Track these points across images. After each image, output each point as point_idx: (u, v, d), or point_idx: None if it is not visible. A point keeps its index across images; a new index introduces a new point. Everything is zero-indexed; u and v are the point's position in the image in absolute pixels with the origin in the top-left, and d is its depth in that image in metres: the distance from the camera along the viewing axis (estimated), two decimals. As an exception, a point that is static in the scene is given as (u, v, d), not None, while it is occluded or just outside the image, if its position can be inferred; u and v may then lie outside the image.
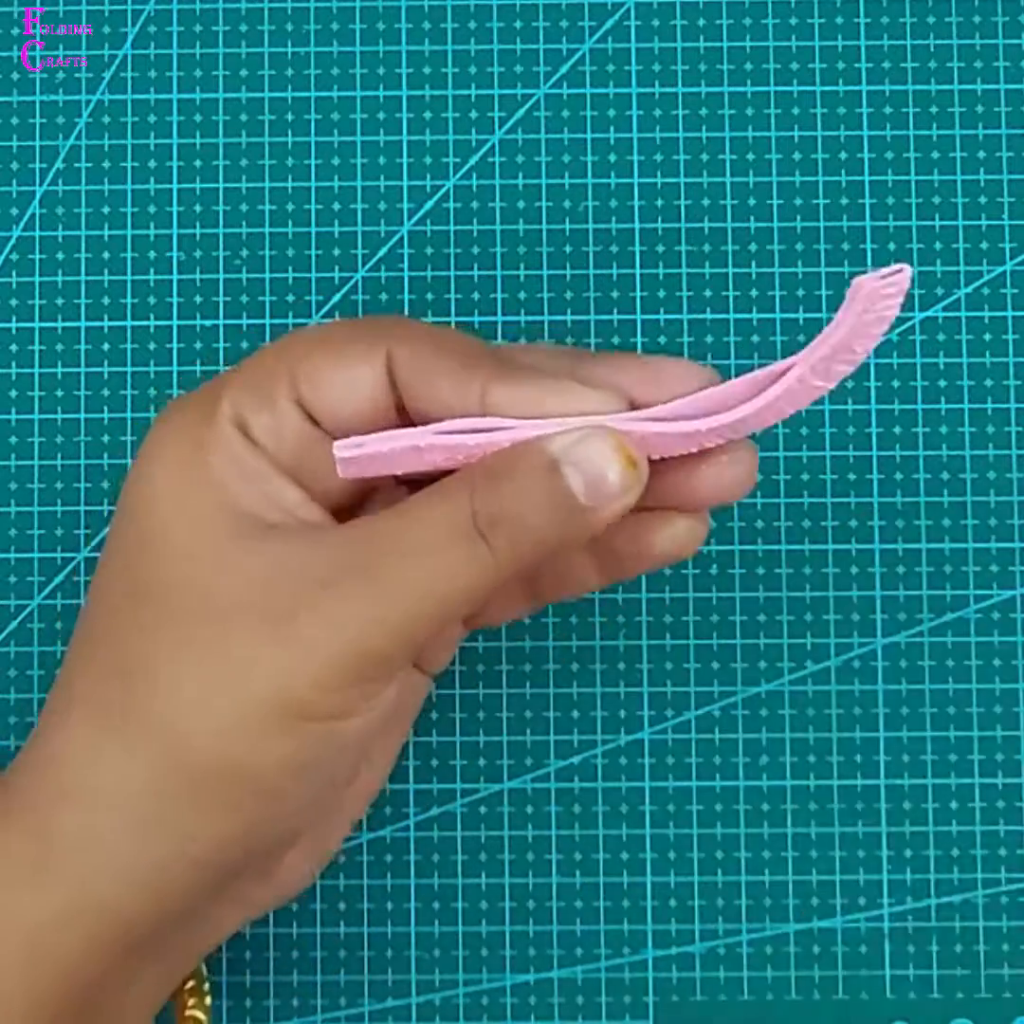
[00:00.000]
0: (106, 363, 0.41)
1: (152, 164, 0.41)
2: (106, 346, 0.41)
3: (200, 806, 0.30)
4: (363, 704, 0.30)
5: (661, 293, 0.41)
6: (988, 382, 0.40)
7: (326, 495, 0.32)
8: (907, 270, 0.28)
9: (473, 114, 0.41)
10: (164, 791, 0.30)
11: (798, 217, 0.41)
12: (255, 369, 0.32)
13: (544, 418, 0.30)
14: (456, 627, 0.35)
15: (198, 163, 0.41)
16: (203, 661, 0.30)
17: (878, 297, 0.28)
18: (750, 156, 0.41)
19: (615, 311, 0.40)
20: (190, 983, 0.36)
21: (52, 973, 0.31)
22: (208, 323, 0.41)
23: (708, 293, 0.41)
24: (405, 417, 0.31)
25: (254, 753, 0.30)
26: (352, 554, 0.30)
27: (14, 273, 0.41)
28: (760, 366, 0.30)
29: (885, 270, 0.28)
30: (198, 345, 0.41)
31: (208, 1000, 0.36)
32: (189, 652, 0.30)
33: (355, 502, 0.33)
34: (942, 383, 0.40)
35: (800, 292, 0.40)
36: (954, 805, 0.39)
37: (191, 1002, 0.36)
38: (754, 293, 0.40)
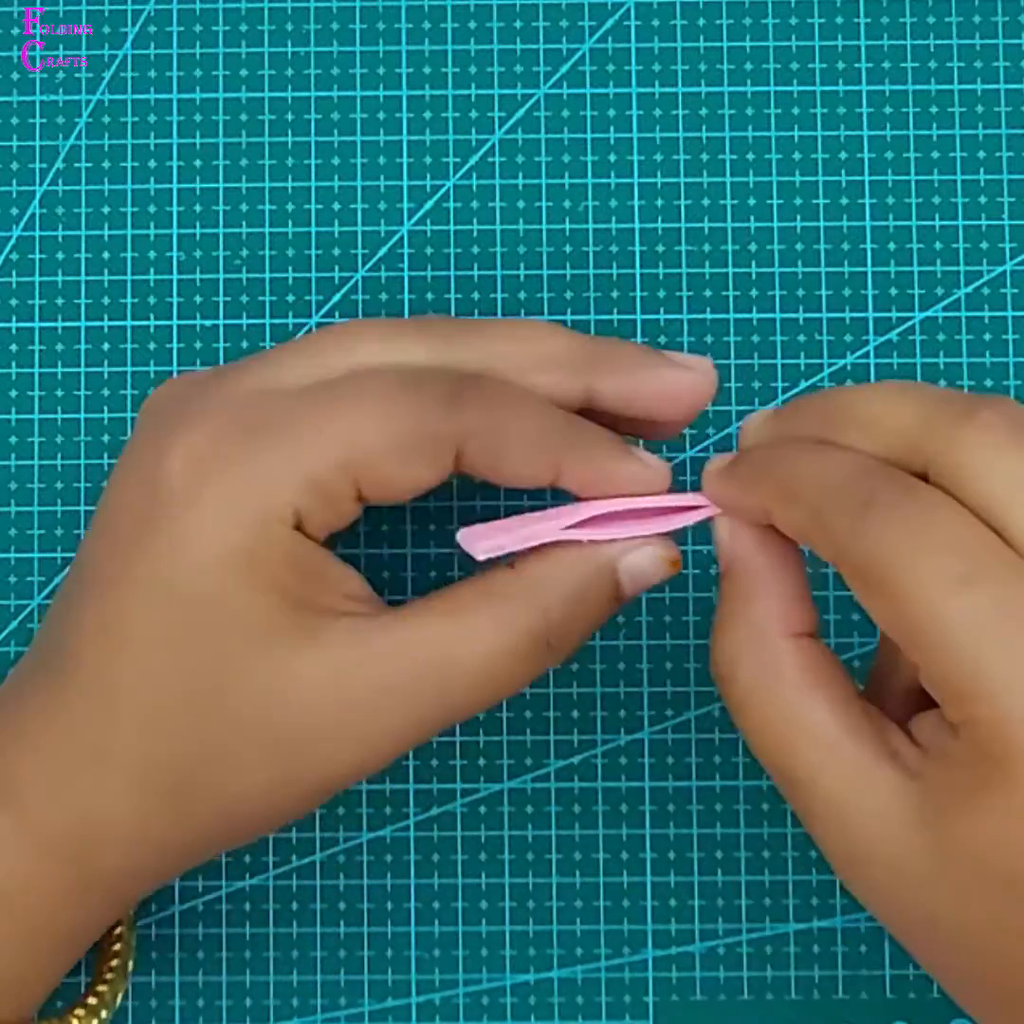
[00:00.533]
0: (106, 363, 0.41)
1: (152, 164, 0.41)
2: (106, 346, 0.41)
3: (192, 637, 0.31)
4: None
5: (661, 293, 0.41)
6: (988, 382, 0.40)
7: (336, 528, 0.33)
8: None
9: (473, 114, 0.41)
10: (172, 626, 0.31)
11: (798, 217, 0.41)
12: (306, 452, 0.31)
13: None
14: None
15: (198, 163, 0.41)
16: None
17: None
18: (750, 156, 0.41)
19: (615, 311, 0.40)
20: (119, 928, 0.36)
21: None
22: (208, 323, 0.41)
23: (708, 293, 0.41)
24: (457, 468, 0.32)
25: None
26: (414, 664, 0.31)
27: (14, 273, 0.41)
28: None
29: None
30: (198, 345, 0.41)
31: (132, 942, 0.37)
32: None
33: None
34: (942, 383, 0.40)
35: (800, 292, 0.40)
36: (954, 805, 0.39)
37: (116, 947, 0.36)
38: (754, 293, 0.40)
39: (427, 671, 0.31)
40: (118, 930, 0.36)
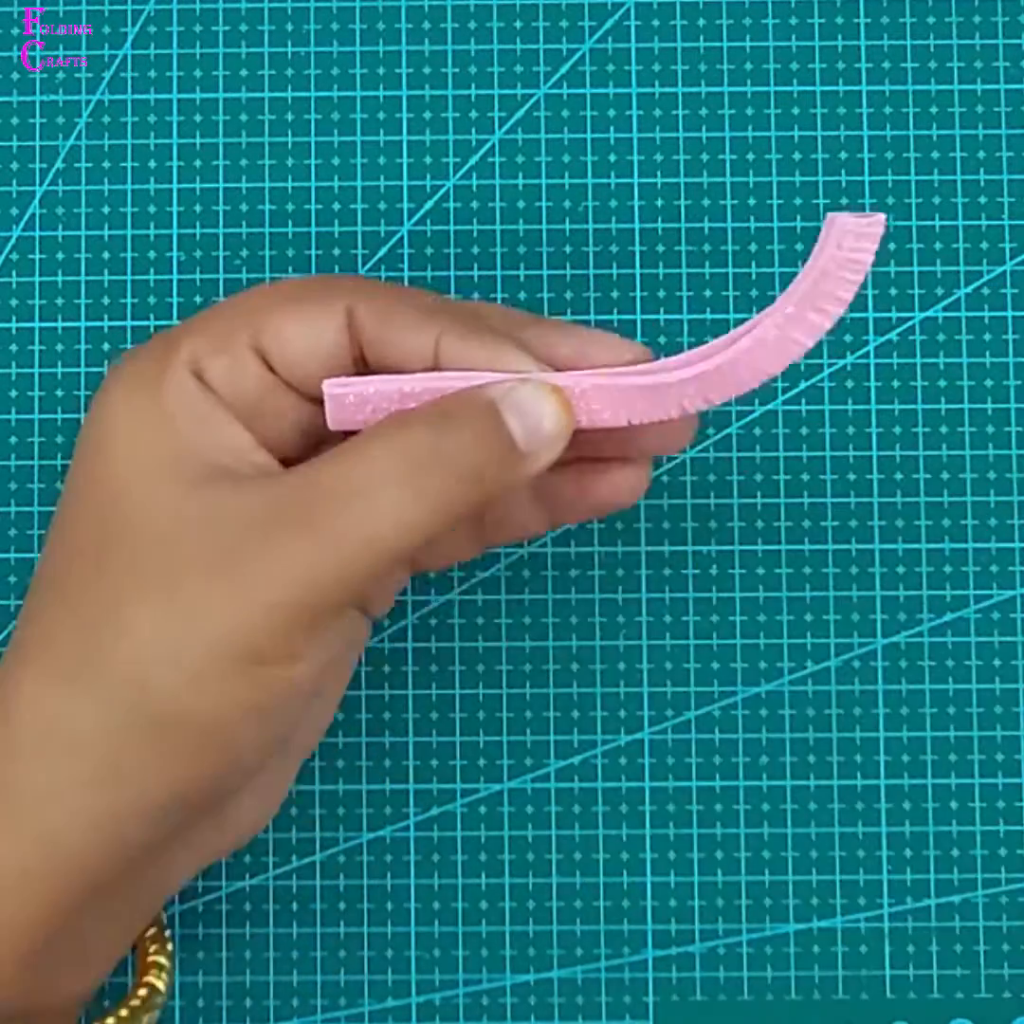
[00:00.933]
0: (106, 363, 0.41)
1: (152, 164, 0.41)
2: (106, 346, 0.41)
3: (159, 751, 0.30)
4: (312, 648, 0.31)
5: (661, 293, 0.41)
6: (988, 382, 0.40)
7: (279, 444, 0.33)
8: (882, 218, 0.29)
9: (473, 114, 0.41)
10: (123, 737, 0.30)
11: (798, 217, 0.41)
12: (214, 318, 0.32)
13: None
14: (400, 573, 0.35)
15: (198, 163, 0.41)
16: (158, 607, 0.30)
17: (853, 236, 0.28)
18: (750, 156, 0.41)
19: (615, 311, 0.40)
20: (151, 930, 0.36)
21: (16, 923, 0.31)
22: (208, 323, 0.41)
23: (708, 293, 0.41)
24: (364, 371, 0.32)
25: (211, 697, 0.30)
26: (292, 500, 0.30)
27: (14, 273, 0.41)
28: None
29: (862, 215, 0.29)
30: (198, 345, 0.41)
31: (170, 946, 0.36)
32: (144, 598, 0.30)
33: (309, 452, 0.33)
34: (942, 383, 0.40)
35: (800, 292, 0.40)
36: (954, 805, 0.39)
37: (153, 949, 0.36)
38: (754, 293, 0.40)
39: (295, 503, 0.30)
40: (151, 931, 0.36)
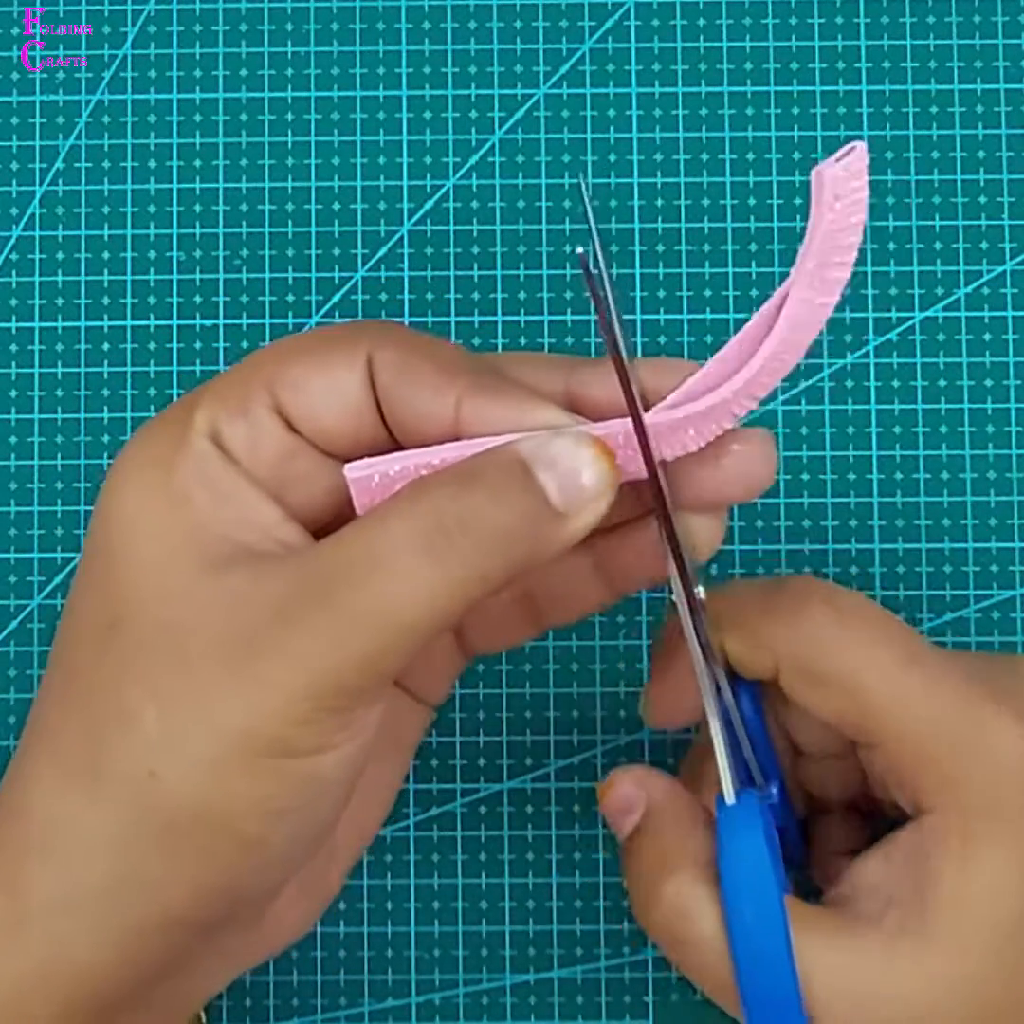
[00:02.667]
0: (106, 363, 0.41)
1: (152, 164, 0.41)
2: (106, 346, 0.41)
3: (174, 857, 0.28)
4: (337, 737, 0.28)
5: (661, 293, 0.41)
6: (988, 382, 0.40)
7: (310, 510, 0.30)
8: (860, 147, 0.27)
9: (473, 114, 0.41)
10: (136, 843, 0.28)
11: (798, 217, 0.41)
12: (229, 380, 0.30)
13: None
14: (452, 656, 0.33)
15: (198, 163, 0.41)
16: (171, 700, 0.28)
17: (843, 181, 0.27)
18: (750, 156, 0.41)
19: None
20: None
21: None
22: (208, 323, 0.41)
23: (708, 293, 0.41)
24: (389, 429, 0.30)
25: (226, 796, 0.28)
26: (311, 578, 0.28)
27: (14, 273, 0.41)
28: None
29: (839, 153, 0.27)
30: (198, 345, 0.41)
31: None
32: (158, 692, 0.28)
33: (340, 519, 0.31)
34: (942, 383, 0.40)
35: (800, 292, 0.40)
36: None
37: None
38: (754, 293, 0.40)
39: (312, 584, 0.28)
40: None
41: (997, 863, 0.31)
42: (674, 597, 0.31)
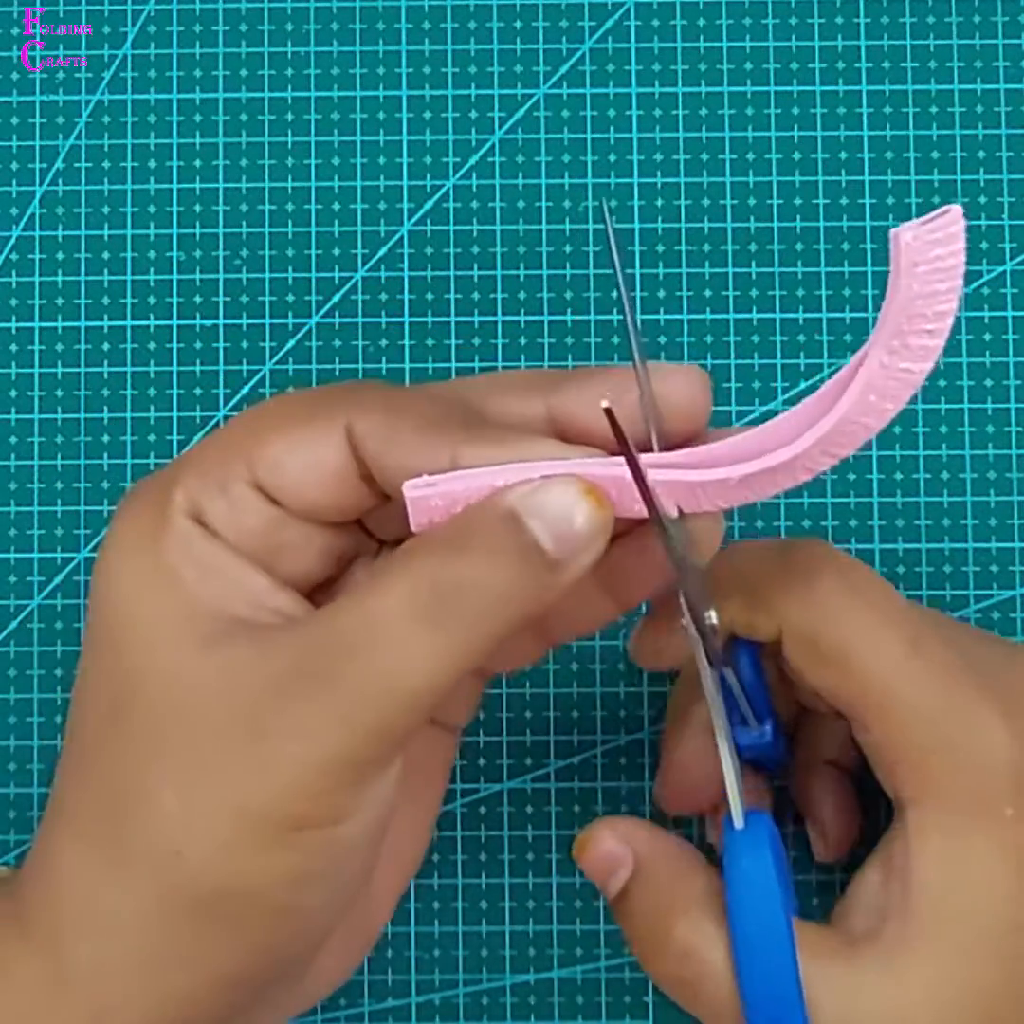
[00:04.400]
0: (106, 363, 0.41)
1: (152, 164, 0.41)
2: (106, 346, 0.41)
3: (206, 931, 0.28)
4: (356, 803, 0.28)
5: (661, 293, 0.41)
6: (988, 382, 0.40)
7: (303, 574, 0.30)
8: (954, 211, 0.25)
9: (473, 114, 0.41)
10: (164, 920, 0.28)
11: (798, 217, 0.41)
12: (207, 455, 0.30)
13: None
14: (470, 682, 0.33)
15: (198, 163, 0.41)
16: (184, 781, 0.28)
17: (920, 248, 0.25)
18: (750, 156, 0.41)
19: (615, 311, 0.40)
20: None
21: None
22: (208, 323, 0.41)
23: (708, 293, 0.41)
24: (375, 488, 0.29)
25: (251, 871, 0.28)
26: (311, 651, 0.28)
27: (14, 273, 0.41)
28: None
29: (928, 216, 0.25)
30: (198, 345, 0.41)
31: None
32: (166, 770, 0.28)
33: (335, 575, 0.31)
34: (942, 383, 0.40)
35: (800, 292, 0.40)
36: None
37: None
38: (754, 293, 0.40)
39: (312, 660, 0.28)
40: None
41: (979, 861, 0.31)
42: (683, 621, 0.31)
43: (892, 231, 0.25)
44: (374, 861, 0.31)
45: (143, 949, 0.29)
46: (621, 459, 0.27)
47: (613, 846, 0.33)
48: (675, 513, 0.28)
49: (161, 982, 0.29)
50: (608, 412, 0.26)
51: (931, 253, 0.25)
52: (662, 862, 0.33)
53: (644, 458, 0.27)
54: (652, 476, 0.27)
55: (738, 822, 0.31)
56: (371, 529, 0.31)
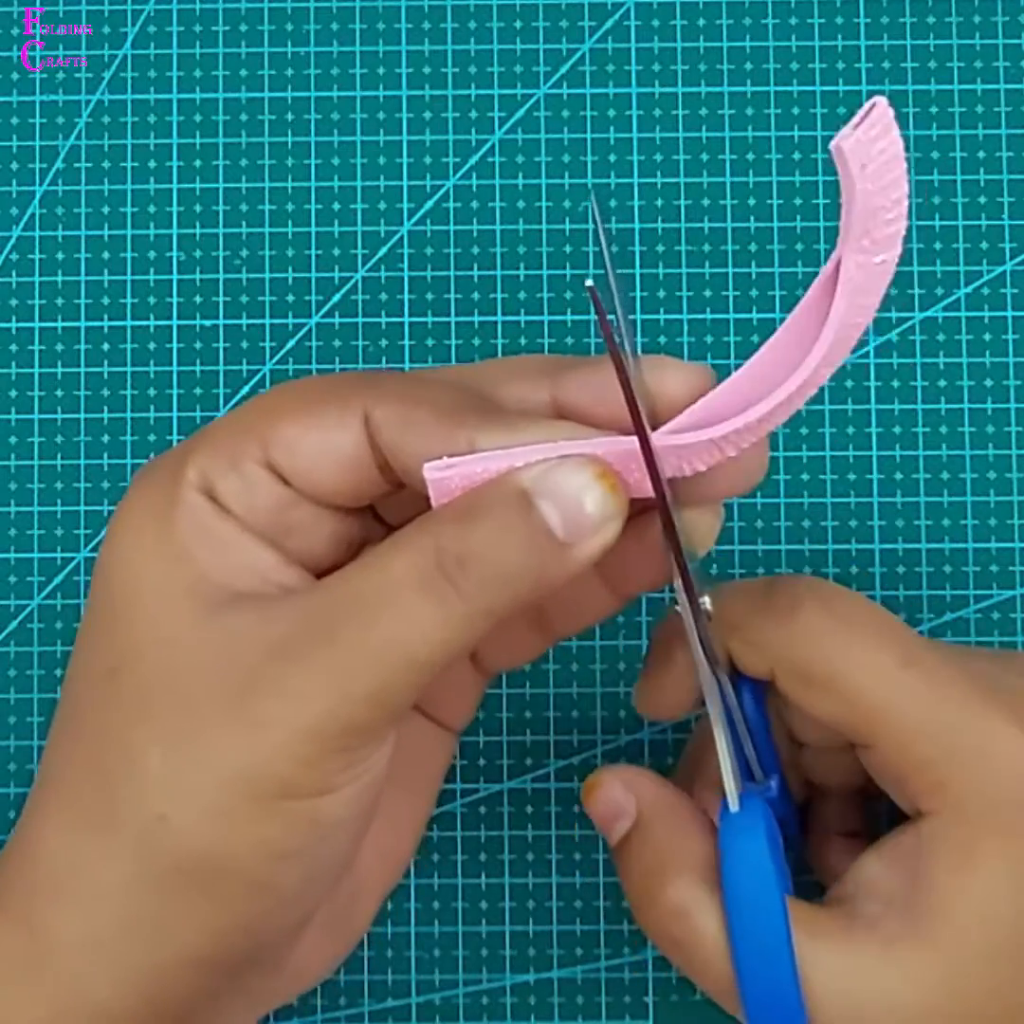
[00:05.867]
0: (106, 363, 0.41)
1: (152, 164, 0.41)
2: (106, 346, 0.41)
3: (185, 899, 0.28)
4: (345, 776, 0.28)
5: (661, 293, 0.41)
6: (988, 382, 0.40)
7: (312, 554, 0.30)
8: (880, 103, 0.25)
9: (473, 114, 0.41)
10: (149, 886, 0.28)
11: (798, 217, 0.41)
12: (221, 433, 0.30)
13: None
14: (471, 678, 0.33)
15: (198, 163, 0.41)
16: (174, 746, 0.28)
17: (864, 147, 0.25)
18: (750, 156, 0.41)
19: (616, 315, 0.40)
20: None
21: None
22: (208, 323, 0.41)
23: (708, 293, 0.41)
24: (389, 475, 0.29)
25: (235, 839, 0.28)
26: (311, 618, 0.28)
27: (14, 273, 0.41)
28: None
29: (858, 116, 0.25)
30: (198, 345, 0.41)
31: None
32: (163, 737, 0.28)
33: (344, 559, 0.31)
34: (942, 383, 0.40)
35: (800, 292, 0.40)
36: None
37: None
38: (754, 293, 0.40)
39: (314, 622, 0.28)
40: None
41: (994, 869, 0.31)
42: (678, 607, 0.31)
43: (832, 143, 0.25)
44: (356, 848, 0.31)
45: (118, 919, 0.29)
46: (624, 438, 0.27)
47: (618, 794, 0.33)
48: (703, 467, 0.28)
49: (136, 956, 0.29)
50: (599, 312, 0.26)
51: (874, 149, 0.25)
52: (663, 817, 0.33)
53: (656, 433, 0.27)
54: (672, 441, 0.27)
55: (733, 805, 0.31)
56: (383, 515, 0.32)
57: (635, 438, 0.27)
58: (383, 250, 0.41)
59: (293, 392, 0.30)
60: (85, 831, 0.29)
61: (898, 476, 0.40)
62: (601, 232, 0.29)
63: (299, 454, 0.29)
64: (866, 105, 0.25)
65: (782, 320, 0.27)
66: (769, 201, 0.41)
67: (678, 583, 0.30)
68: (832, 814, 0.36)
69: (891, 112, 0.25)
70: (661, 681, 0.34)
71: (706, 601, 0.30)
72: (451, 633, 0.27)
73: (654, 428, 0.28)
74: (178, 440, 0.40)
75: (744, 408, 0.27)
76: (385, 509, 0.31)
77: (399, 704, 0.28)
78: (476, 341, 0.40)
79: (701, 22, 0.41)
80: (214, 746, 0.28)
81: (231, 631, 0.28)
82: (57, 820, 0.29)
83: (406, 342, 0.41)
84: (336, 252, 0.41)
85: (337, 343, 0.41)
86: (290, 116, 0.41)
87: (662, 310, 0.40)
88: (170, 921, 0.28)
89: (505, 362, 0.31)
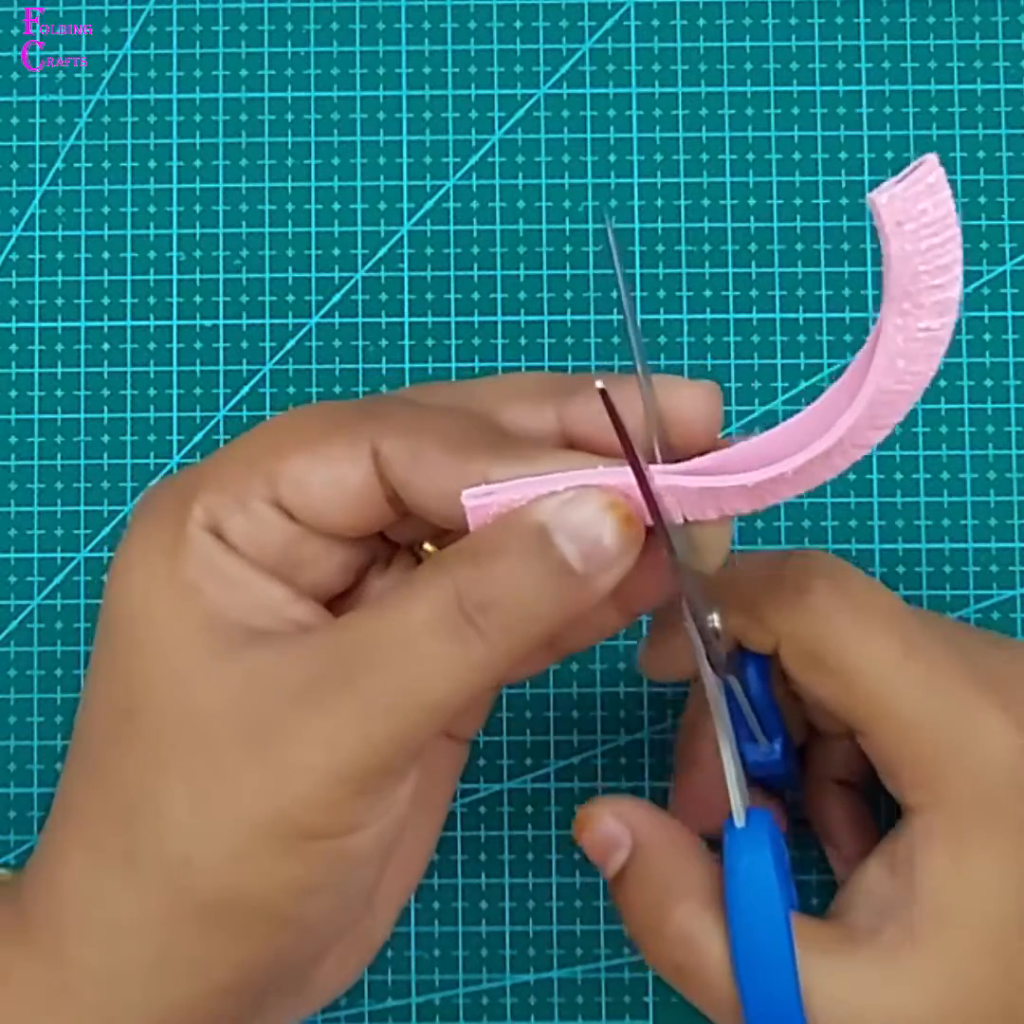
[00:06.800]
0: (106, 363, 0.41)
1: (152, 164, 0.41)
2: (106, 346, 0.41)
3: (214, 937, 0.28)
4: (367, 817, 0.28)
5: (661, 293, 0.41)
6: (988, 382, 0.40)
7: (323, 586, 0.30)
8: (929, 160, 0.24)
9: (473, 114, 0.41)
10: (171, 927, 0.28)
11: (798, 217, 0.41)
12: (226, 469, 0.29)
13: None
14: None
15: (198, 163, 0.41)
16: (197, 788, 0.28)
17: (905, 204, 0.24)
18: (750, 156, 0.41)
19: (615, 311, 0.40)
20: None
21: None
22: (208, 323, 0.41)
23: (708, 293, 0.41)
24: (399, 506, 0.29)
25: (261, 880, 0.28)
26: (330, 660, 0.28)
27: (14, 273, 0.41)
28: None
29: (904, 172, 0.24)
30: (198, 345, 0.41)
31: None
32: (184, 781, 0.28)
33: (353, 583, 0.31)
34: (942, 383, 0.40)
35: (800, 292, 0.40)
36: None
37: None
38: (754, 293, 0.40)
39: (333, 667, 0.28)
40: None
41: (986, 865, 0.31)
42: (686, 624, 0.30)
43: (869, 196, 0.24)
44: (381, 875, 0.31)
45: (147, 955, 0.29)
46: (652, 467, 0.27)
47: (612, 827, 0.33)
48: (712, 515, 0.28)
49: (164, 989, 0.29)
50: (611, 413, 0.25)
51: (916, 208, 0.24)
52: (660, 846, 0.32)
53: (669, 467, 0.27)
54: (684, 483, 0.27)
55: (739, 821, 0.31)
56: (389, 534, 0.31)
57: (656, 467, 0.27)
58: (383, 250, 0.41)
59: (297, 425, 0.30)
60: (110, 870, 0.29)
61: (898, 476, 0.40)
62: (620, 276, 0.29)
63: (308, 491, 0.29)
64: (916, 161, 0.24)
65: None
66: (769, 201, 0.41)
67: (685, 606, 0.30)
68: (829, 760, 0.36)
69: (941, 172, 0.24)
70: (665, 648, 0.34)
71: (714, 618, 0.30)
72: (474, 675, 0.27)
73: (669, 451, 0.28)
74: (178, 440, 0.40)
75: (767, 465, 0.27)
76: (391, 529, 0.31)
77: (421, 745, 0.28)
78: (476, 341, 0.40)
79: (701, 22, 0.41)
80: (238, 791, 0.28)
81: (249, 672, 0.28)
82: (80, 859, 0.29)
83: (406, 342, 0.41)
84: (336, 252, 0.41)
85: (337, 343, 0.41)
86: (290, 116, 0.41)
87: (662, 310, 0.40)
88: (197, 957, 0.29)
89: (504, 381, 0.31)
